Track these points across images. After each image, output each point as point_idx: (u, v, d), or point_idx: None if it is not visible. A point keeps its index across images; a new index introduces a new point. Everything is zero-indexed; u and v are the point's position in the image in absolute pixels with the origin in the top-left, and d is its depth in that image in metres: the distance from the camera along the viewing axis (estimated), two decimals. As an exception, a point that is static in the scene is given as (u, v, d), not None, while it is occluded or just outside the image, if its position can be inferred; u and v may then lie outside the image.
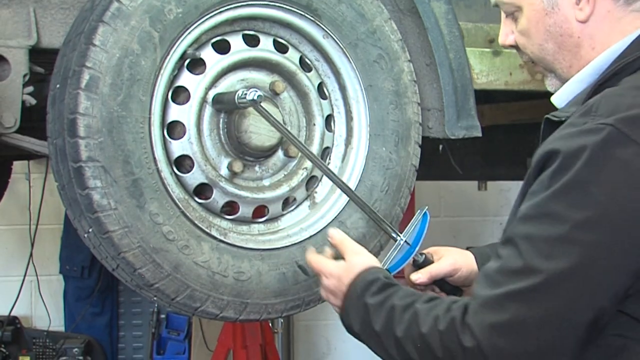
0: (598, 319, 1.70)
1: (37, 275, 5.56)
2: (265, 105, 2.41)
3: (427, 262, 2.34)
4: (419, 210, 2.41)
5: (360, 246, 2.22)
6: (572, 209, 1.70)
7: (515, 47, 2.11)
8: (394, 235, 2.39)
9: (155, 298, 2.40)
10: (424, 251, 2.38)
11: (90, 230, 2.29)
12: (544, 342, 1.70)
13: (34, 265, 5.47)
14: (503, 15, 2.11)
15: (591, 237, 1.69)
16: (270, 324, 5.22)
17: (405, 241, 2.35)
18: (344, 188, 2.46)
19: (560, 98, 2.03)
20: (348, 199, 2.59)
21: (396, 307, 1.91)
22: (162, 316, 5.83)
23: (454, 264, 2.34)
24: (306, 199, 2.63)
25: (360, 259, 2.14)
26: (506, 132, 4.43)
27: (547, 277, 1.69)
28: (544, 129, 1.97)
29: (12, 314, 5.43)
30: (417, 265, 2.34)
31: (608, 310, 1.71)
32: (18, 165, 4.99)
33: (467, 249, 2.43)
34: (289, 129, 2.54)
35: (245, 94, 2.32)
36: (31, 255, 5.44)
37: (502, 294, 1.74)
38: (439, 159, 3.89)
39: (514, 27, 2.08)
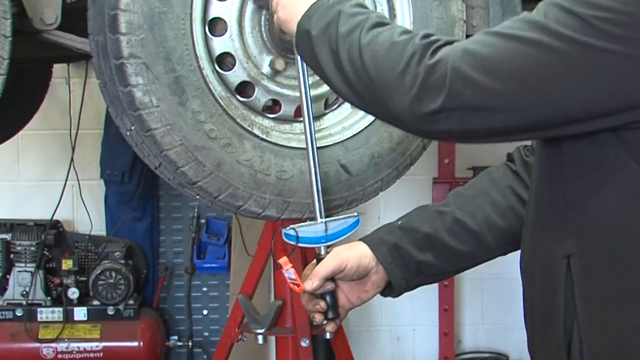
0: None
1: (78, 180, 5.59)
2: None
3: None
4: (355, 213, 2.26)
5: None
6: None
7: None
8: (319, 215, 2.22)
9: (197, 196, 2.41)
10: None
11: (132, 127, 2.29)
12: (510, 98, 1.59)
13: (75, 170, 5.50)
14: None
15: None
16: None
17: (326, 225, 2.20)
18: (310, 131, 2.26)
19: None
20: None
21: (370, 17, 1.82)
22: (202, 221, 5.86)
23: (338, 256, 2.11)
24: (348, 98, 2.60)
25: None
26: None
27: (570, 50, 1.55)
28: None
29: (55, 218, 5.49)
30: (317, 259, 2.18)
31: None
32: (58, 69, 4.97)
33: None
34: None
35: (288, -12, 2.26)
36: (72, 159, 5.48)
37: (501, 33, 1.61)
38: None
39: None
